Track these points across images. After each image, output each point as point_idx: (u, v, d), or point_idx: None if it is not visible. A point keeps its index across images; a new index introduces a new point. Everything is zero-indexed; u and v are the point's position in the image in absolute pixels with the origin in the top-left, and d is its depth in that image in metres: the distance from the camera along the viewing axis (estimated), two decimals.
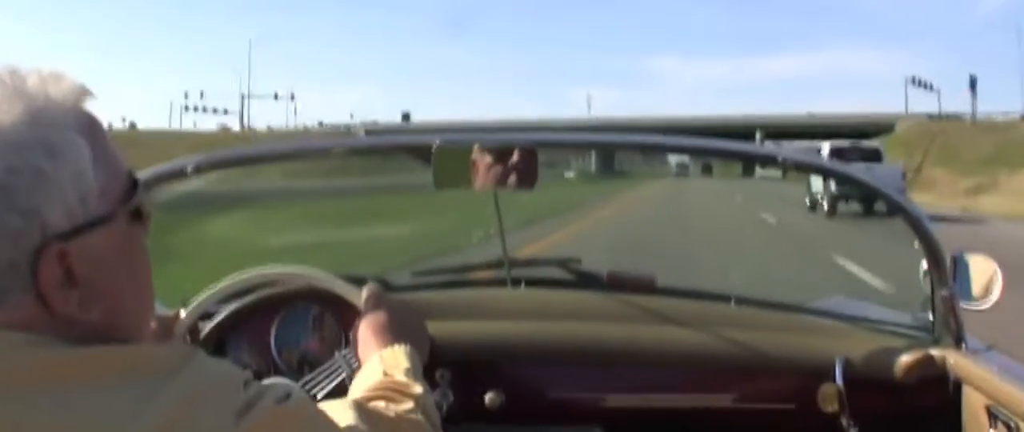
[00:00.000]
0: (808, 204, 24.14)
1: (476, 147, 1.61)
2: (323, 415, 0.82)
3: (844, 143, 25.39)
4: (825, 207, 21.79)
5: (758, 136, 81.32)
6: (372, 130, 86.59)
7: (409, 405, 1.05)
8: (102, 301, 0.73)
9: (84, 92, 0.75)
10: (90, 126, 0.74)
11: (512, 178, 1.61)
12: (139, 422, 0.66)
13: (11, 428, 0.65)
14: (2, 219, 0.68)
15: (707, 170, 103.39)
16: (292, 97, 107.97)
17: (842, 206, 21.49)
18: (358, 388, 1.12)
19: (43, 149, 0.70)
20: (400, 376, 1.12)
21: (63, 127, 0.72)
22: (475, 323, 1.68)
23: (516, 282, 1.87)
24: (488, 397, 1.59)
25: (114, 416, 0.66)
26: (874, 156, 23.60)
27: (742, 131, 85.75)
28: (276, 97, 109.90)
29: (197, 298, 1.53)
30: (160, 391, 0.68)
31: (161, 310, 1.39)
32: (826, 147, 24.48)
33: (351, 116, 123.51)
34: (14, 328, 0.69)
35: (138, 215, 0.78)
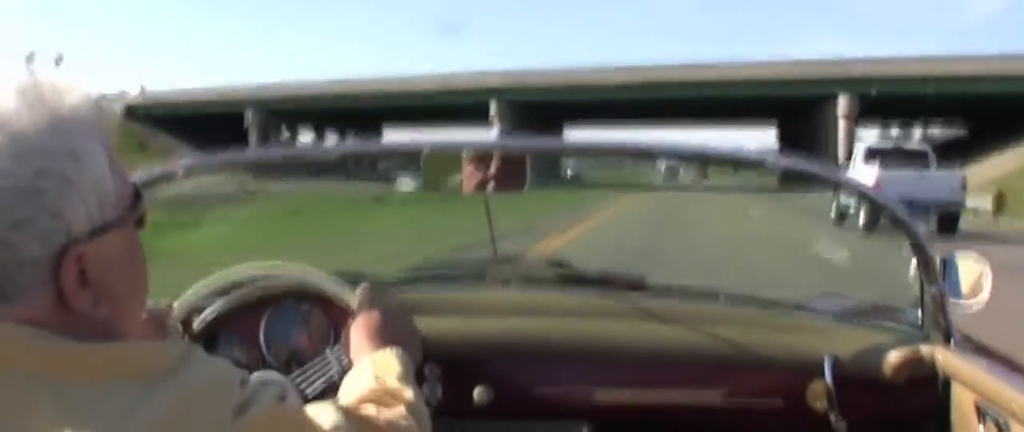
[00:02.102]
0: (834, 216, 18.65)
1: (465, 152, 1.62)
2: (316, 418, 0.84)
3: (884, 144, 20.78)
4: (861, 220, 16.26)
5: (841, 105, 43.45)
6: None
7: (400, 410, 1.06)
8: (108, 300, 0.75)
9: (95, 102, 0.78)
10: (104, 135, 0.78)
11: (501, 182, 1.62)
12: (137, 419, 0.68)
13: (13, 421, 0.67)
14: (34, 220, 0.71)
15: (702, 173, 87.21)
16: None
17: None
18: (350, 391, 1.13)
19: (69, 155, 0.73)
20: (392, 381, 1.13)
21: (85, 136, 0.75)
22: (464, 320, 1.69)
23: (506, 281, 1.88)
24: (476, 393, 1.59)
25: (113, 412, 0.68)
26: (920, 159, 18.68)
27: (810, 93, 44.97)
28: None
29: (188, 293, 1.54)
30: (159, 388, 0.70)
31: (152, 304, 1.40)
32: (860, 148, 19.76)
33: None
34: (28, 323, 0.71)
35: (140, 221, 0.81)
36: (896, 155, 18.74)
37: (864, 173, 16.85)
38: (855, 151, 20.00)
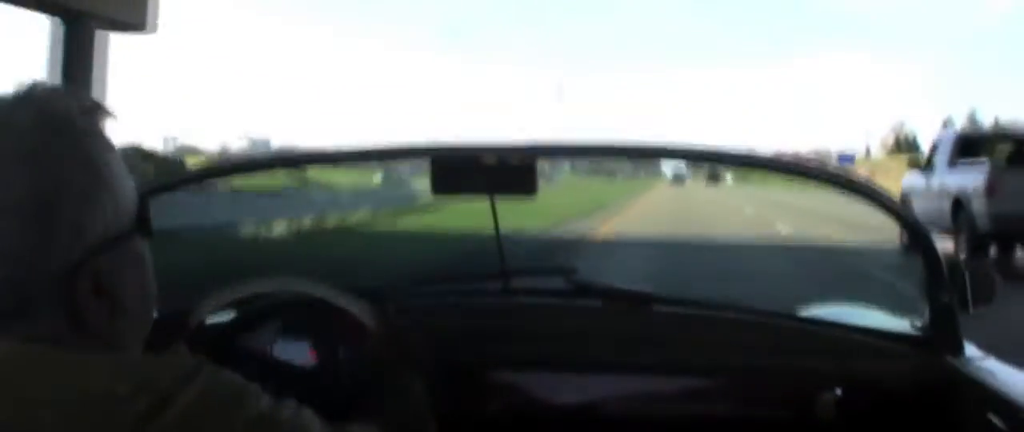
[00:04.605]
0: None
1: (475, 155, 1.62)
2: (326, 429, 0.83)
3: (980, 131, 14.71)
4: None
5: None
6: None
7: None
8: (120, 311, 0.75)
9: (103, 110, 0.78)
10: (112, 145, 0.78)
11: (510, 185, 1.61)
12: (153, 430, 0.67)
13: None
14: (54, 235, 0.71)
15: (713, 179, 67.65)
16: None
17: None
18: (368, 421, 1.12)
19: (84, 166, 0.73)
20: (408, 412, 1.15)
21: (97, 145, 0.75)
22: (473, 332, 1.69)
23: (514, 292, 1.87)
24: (485, 404, 1.59)
25: (130, 424, 0.67)
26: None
27: None
28: None
29: (199, 306, 1.53)
30: (173, 400, 0.70)
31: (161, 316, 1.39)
32: (946, 138, 12.97)
33: None
34: (45, 339, 0.71)
35: (148, 229, 0.81)
36: (1002, 148, 12.30)
37: (962, 175, 11.39)
38: (939, 141, 13.14)
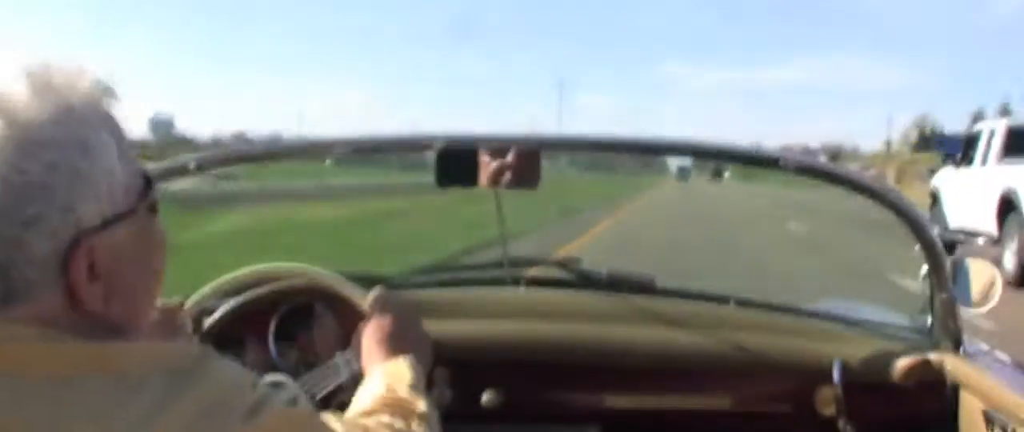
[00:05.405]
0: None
1: (479, 146, 1.62)
2: (327, 424, 0.84)
3: None
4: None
5: None
6: None
7: (412, 420, 1.06)
8: (118, 294, 0.74)
9: (106, 88, 0.77)
10: (114, 123, 0.76)
11: (515, 178, 1.61)
12: (156, 420, 0.68)
13: (32, 424, 0.66)
14: (45, 216, 0.70)
15: (717, 175, 64.45)
16: None
17: None
18: (362, 400, 1.12)
19: (78, 147, 0.72)
20: (404, 391, 1.12)
21: (94, 125, 0.74)
22: (474, 322, 1.69)
23: (516, 282, 1.87)
24: (486, 396, 1.60)
25: (134, 413, 0.67)
26: None
27: None
28: None
29: (200, 292, 1.54)
30: (174, 391, 0.70)
31: (163, 301, 1.39)
32: (1002, 126, 11.07)
33: None
34: (40, 323, 0.70)
35: (153, 208, 0.80)
36: None
37: (1012, 173, 9.84)
38: (984, 133, 11.36)
